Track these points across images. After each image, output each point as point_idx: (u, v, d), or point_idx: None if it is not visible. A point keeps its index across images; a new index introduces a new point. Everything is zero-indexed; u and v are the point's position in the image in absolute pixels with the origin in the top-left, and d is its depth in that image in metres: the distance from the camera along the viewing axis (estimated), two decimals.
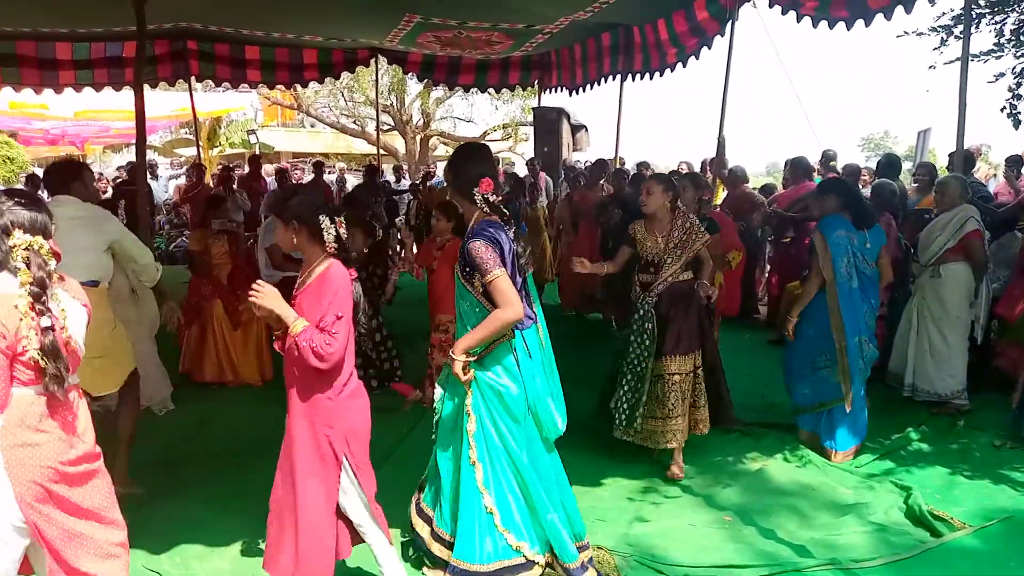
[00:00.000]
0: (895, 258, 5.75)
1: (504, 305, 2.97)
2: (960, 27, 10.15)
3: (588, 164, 11.82)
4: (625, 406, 4.53)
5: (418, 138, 24.22)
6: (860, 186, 7.86)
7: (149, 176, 10.76)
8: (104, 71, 9.29)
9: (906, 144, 30.74)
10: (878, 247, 4.93)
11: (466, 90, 11.68)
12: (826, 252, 4.74)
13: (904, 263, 6.03)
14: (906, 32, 12.55)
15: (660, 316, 4.46)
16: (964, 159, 5.99)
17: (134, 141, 7.22)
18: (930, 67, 11.82)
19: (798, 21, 5.86)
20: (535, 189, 9.35)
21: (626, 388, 4.54)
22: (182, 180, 13.66)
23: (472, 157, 3.25)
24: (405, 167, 18.71)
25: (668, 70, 7.92)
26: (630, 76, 8.58)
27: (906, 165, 10.79)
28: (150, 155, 14.17)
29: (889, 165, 7.52)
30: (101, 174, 16.38)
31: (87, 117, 14.42)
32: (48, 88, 9.24)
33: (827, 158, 8.32)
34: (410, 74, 11.16)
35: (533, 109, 13.16)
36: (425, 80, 11.59)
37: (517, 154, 23.53)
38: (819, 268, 4.79)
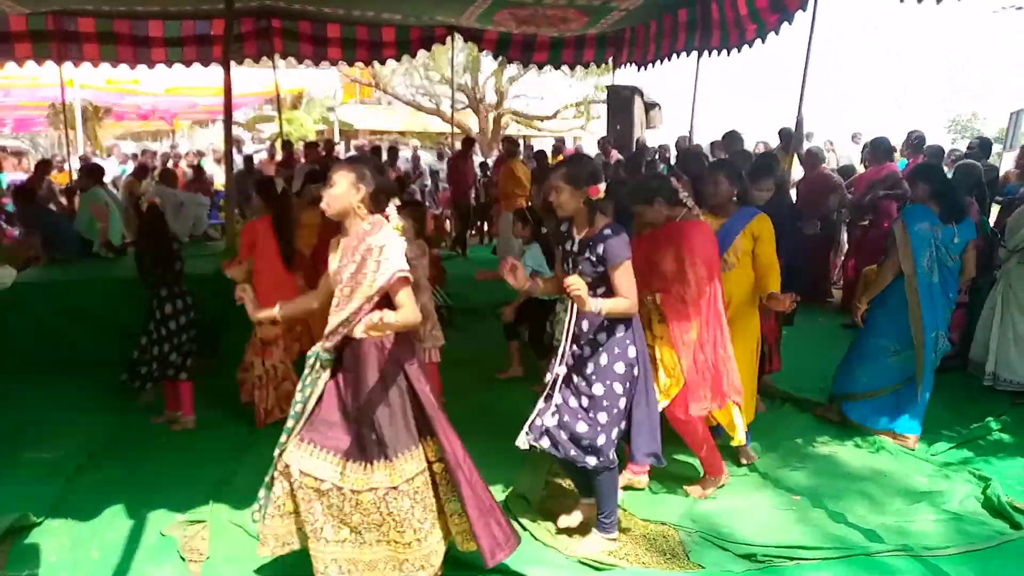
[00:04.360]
0: (976, 244, 5.56)
1: None
2: None
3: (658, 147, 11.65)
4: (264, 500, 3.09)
5: (491, 116, 24.29)
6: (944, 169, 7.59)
7: (236, 151, 11.10)
8: (193, 48, 9.62)
9: (996, 126, 29.24)
10: (966, 241, 4.73)
11: (540, 67, 11.62)
12: (907, 244, 4.61)
13: (989, 249, 5.82)
14: (1003, 7, 11.93)
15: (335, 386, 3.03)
16: None
17: (220, 117, 7.47)
18: None
19: None
20: (653, 167, 8.65)
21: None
22: (264, 155, 14.11)
23: None
24: (478, 145, 18.84)
25: (746, 46, 7.74)
26: (706, 52, 8.43)
27: (996, 148, 10.31)
28: (236, 131, 14.62)
29: (981, 147, 7.28)
30: (185, 151, 17.00)
31: (176, 93, 14.98)
32: (141, 64, 9.63)
33: (912, 141, 8.02)
34: (485, 52, 11.19)
35: (607, 87, 13.04)
36: (500, 58, 11.60)
37: (589, 132, 23.38)
38: (896, 258, 4.66)
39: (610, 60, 10.97)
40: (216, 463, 4.31)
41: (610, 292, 3.24)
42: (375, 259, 2.81)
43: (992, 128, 28.94)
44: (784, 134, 8.74)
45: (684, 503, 3.97)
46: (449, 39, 10.48)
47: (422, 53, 11.57)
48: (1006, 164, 9.20)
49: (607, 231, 3.23)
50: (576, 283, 3.06)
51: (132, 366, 5.03)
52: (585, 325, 3.32)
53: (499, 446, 3.61)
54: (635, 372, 3.35)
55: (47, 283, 6.38)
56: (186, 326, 4.91)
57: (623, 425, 3.40)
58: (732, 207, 4.23)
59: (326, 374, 3.01)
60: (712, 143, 9.05)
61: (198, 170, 12.44)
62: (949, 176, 6.14)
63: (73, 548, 3.51)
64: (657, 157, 10.61)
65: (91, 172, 8.22)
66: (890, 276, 4.71)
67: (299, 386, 3.06)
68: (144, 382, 4.95)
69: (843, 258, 8.77)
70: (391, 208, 2.93)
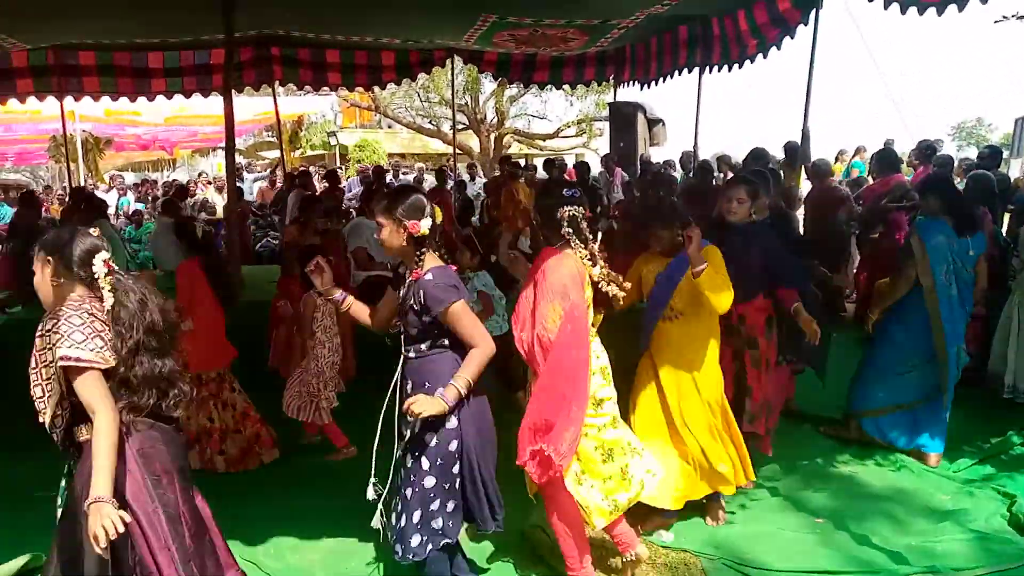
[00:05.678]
0: (990, 255, 5.50)
1: None
2: None
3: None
4: None
5: (492, 136, 24.32)
6: (954, 179, 7.53)
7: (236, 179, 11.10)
8: (193, 78, 9.67)
9: (1001, 132, 29.27)
10: (980, 253, 4.73)
11: (541, 87, 11.61)
12: (925, 258, 4.56)
13: (1003, 260, 5.75)
14: (1005, 16, 11.91)
15: None
16: None
17: (221, 145, 7.46)
18: None
19: (885, 8, 5.64)
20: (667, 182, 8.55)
21: None
22: (264, 183, 14.13)
23: None
24: (479, 166, 18.87)
25: (748, 61, 7.72)
26: (708, 68, 8.41)
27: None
28: (236, 158, 14.67)
29: (991, 156, 7.24)
30: (190, 179, 17.06)
31: (176, 122, 15.03)
32: (142, 96, 9.66)
33: (923, 150, 7.93)
34: (485, 73, 11.20)
35: (609, 104, 13.03)
36: (500, 79, 11.61)
37: (591, 150, 23.38)
38: (910, 271, 4.61)
39: (611, 78, 10.98)
40: (224, 504, 4.22)
41: (444, 340, 2.88)
42: (48, 345, 2.26)
43: (998, 134, 28.94)
44: (790, 148, 8.68)
45: (705, 529, 3.89)
46: (448, 61, 10.50)
47: (421, 76, 11.58)
48: (1014, 171, 9.16)
49: (428, 276, 2.85)
50: (412, 404, 2.73)
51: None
52: (409, 386, 2.95)
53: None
54: (464, 437, 2.88)
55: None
56: None
57: (449, 506, 2.92)
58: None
59: None
60: (718, 157, 9.00)
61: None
62: (961, 186, 6.09)
63: None
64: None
65: (93, 204, 8.16)
66: (904, 288, 4.67)
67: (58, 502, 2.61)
68: None
69: (855, 271, 8.69)
70: (98, 264, 2.40)
